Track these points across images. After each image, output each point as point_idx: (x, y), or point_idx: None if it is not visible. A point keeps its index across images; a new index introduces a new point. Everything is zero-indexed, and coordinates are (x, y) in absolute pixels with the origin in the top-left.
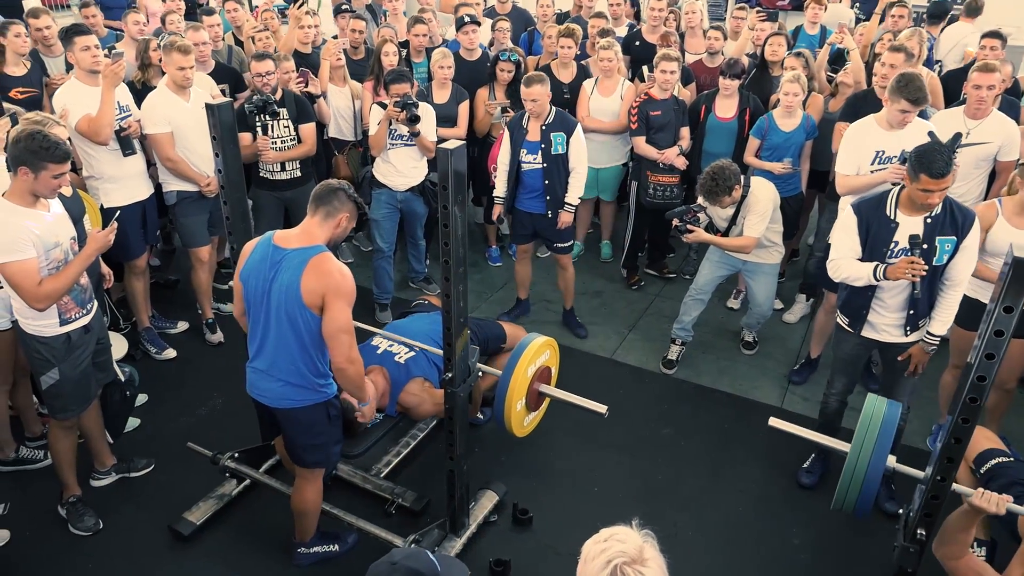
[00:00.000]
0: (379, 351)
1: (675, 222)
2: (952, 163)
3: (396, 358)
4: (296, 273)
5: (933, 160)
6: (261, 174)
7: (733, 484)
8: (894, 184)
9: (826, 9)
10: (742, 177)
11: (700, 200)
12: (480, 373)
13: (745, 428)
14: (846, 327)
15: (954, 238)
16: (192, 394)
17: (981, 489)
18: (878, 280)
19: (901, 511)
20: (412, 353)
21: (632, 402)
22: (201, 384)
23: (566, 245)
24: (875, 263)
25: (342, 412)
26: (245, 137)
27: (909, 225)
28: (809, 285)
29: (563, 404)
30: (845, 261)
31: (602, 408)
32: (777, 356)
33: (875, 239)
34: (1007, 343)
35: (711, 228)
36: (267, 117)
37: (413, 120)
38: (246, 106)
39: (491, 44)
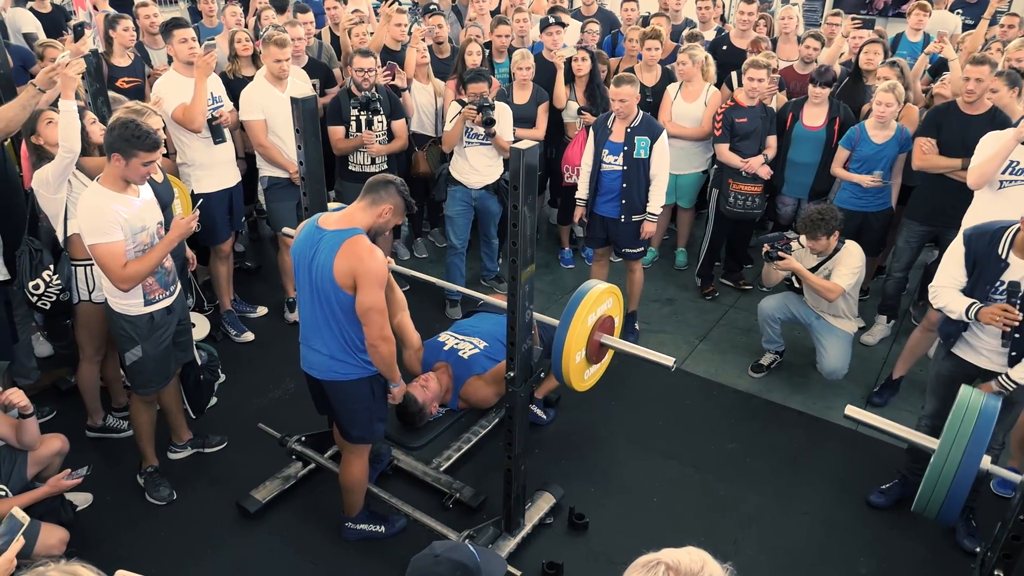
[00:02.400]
0: (445, 348)
1: (766, 247)
2: None
3: (460, 354)
4: (330, 254)
5: None
6: (350, 167)
7: (798, 505)
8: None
9: (930, 15)
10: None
11: (797, 233)
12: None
13: (815, 448)
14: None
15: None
16: (266, 377)
17: None
18: (969, 319)
19: (979, 549)
20: (476, 350)
21: (698, 414)
22: (275, 368)
23: (637, 251)
24: (970, 301)
25: (406, 404)
26: (338, 131)
27: (1019, 268)
28: (889, 306)
29: (627, 410)
30: (945, 290)
31: (669, 360)
32: (854, 376)
33: (982, 274)
34: None
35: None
36: (369, 114)
37: (488, 123)
38: (351, 101)
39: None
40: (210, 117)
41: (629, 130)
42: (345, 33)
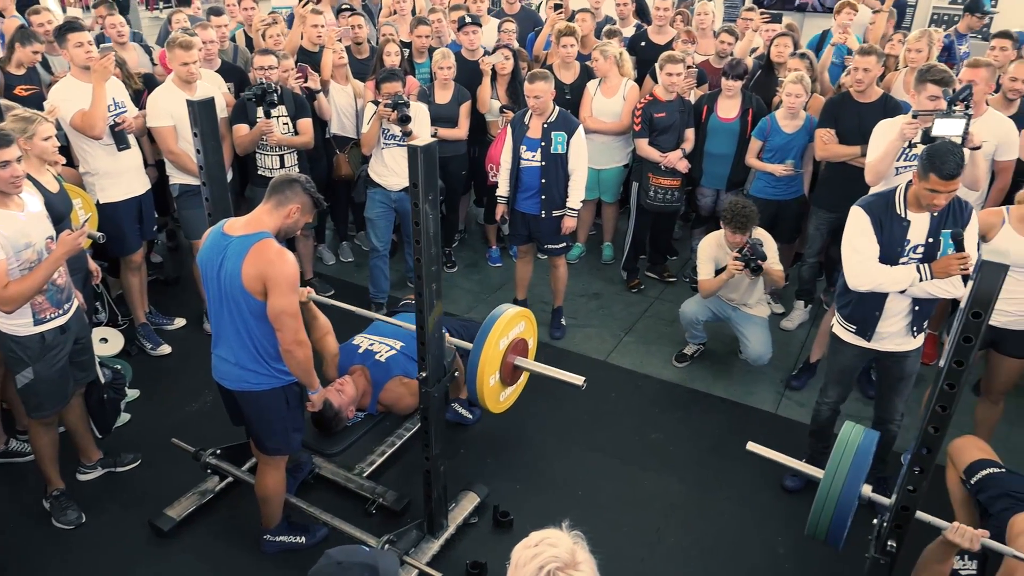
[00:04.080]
0: (360, 350)
1: (740, 266)
2: (963, 165)
3: (377, 356)
4: (238, 260)
5: (945, 161)
6: (259, 172)
7: (720, 491)
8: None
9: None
10: None
11: (733, 232)
12: (454, 352)
13: (737, 434)
14: (851, 335)
15: (958, 229)
16: (185, 390)
17: (956, 524)
18: (923, 280)
19: (875, 522)
20: (393, 351)
21: (623, 406)
22: (194, 380)
23: (559, 247)
24: (916, 264)
25: (322, 410)
26: (241, 128)
27: (919, 223)
28: (806, 291)
29: (552, 405)
30: (875, 266)
31: (579, 380)
32: (774, 361)
33: (889, 238)
34: (975, 349)
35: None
36: (266, 105)
37: (404, 120)
38: (244, 94)
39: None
40: (112, 123)
41: (546, 126)
42: (259, 35)
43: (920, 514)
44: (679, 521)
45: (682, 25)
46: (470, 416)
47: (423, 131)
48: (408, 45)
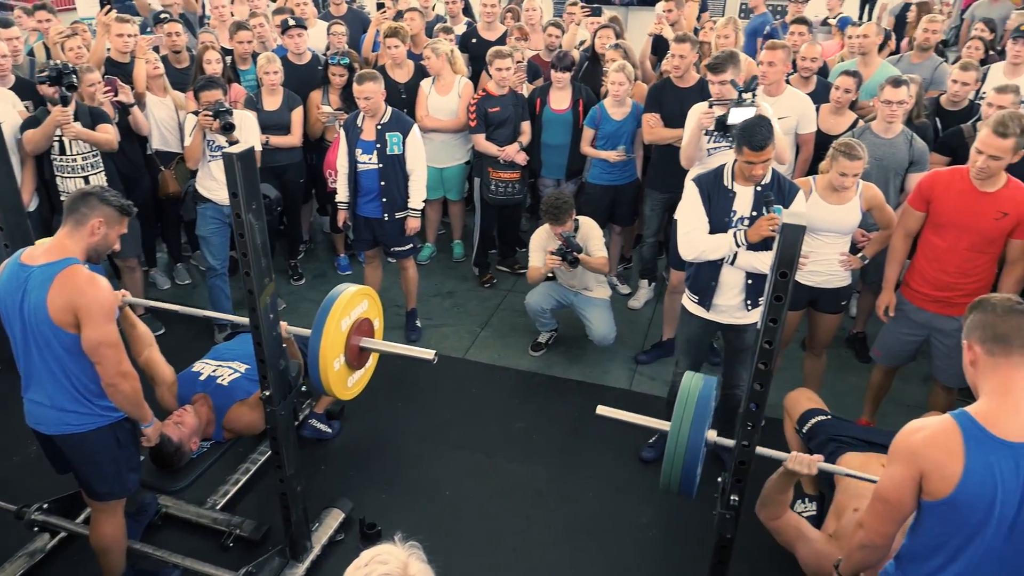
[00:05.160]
0: (202, 377)
1: (558, 260)
2: (771, 137)
3: (219, 381)
4: (42, 292)
5: (754, 134)
6: (62, 198)
7: (584, 471)
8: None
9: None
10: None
11: (552, 224)
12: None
13: (595, 414)
14: (694, 305)
15: (780, 207)
16: (7, 442)
17: (794, 453)
18: (740, 245)
19: (720, 479)
20: (237, 374)
21: (485, 400)
22: (14, 430)
23: (406, 249)
24: (733, 230)
25: (160, 445)
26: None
27: (745, 195)
28: (648, 270)
29: (414, 409)
30: (699, 235)
31: (429, 354)
32: (625, 340)
33: (716, 209)
34: (786, 307)
35: None
36: (64, 89)
37: (228, 128)
38: (37, 76)
39: (327, 48)
40: None
41: (379, 127)
42: (57, 48)
43: (760, 449)
44: (546, 506)
45: (512, 22)
46: (329, 430)
47: (252, 139)
48: (230, 52)
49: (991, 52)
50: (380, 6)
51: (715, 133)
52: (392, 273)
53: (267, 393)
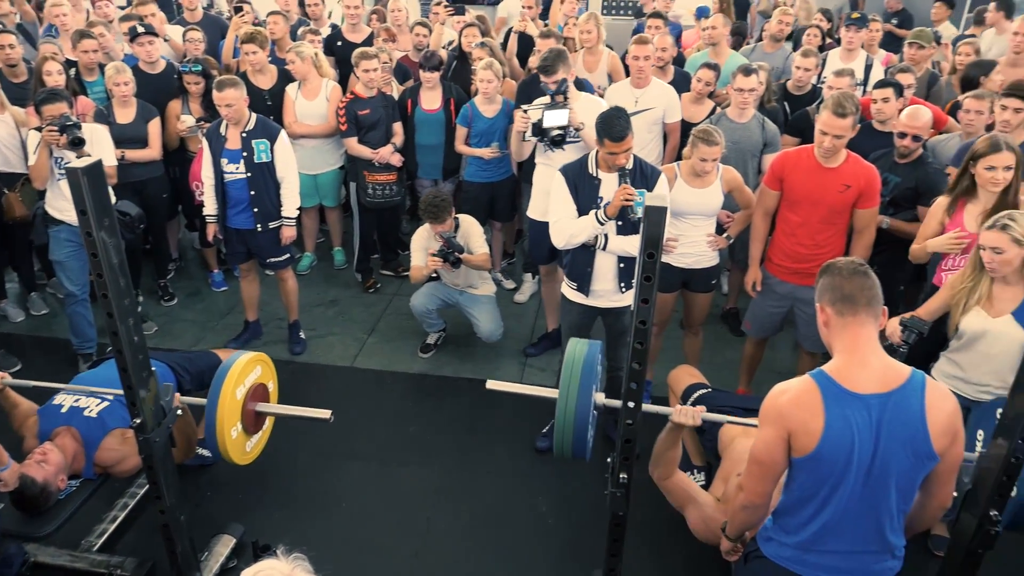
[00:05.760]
0: (64, 409)
1: (440, 261)
2: (629, 128)
3: (86, 412)
4: None
5: (612, 125)
6: None
7: (481, 467)
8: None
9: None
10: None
11: (431, 224)
12: (179, 412)
13: (489, 410)
14: (574, 292)
15: (644, 190)
16: None
17: (678, 406)
18: (602, 222)
19: (610, 460)
20: (106, 402)
21: (377, 407)
22: None
23: (283, 259)
24: (593, 210)
25: (22, 488)
26: None
27: (609, 181)
28: (531, 264)
29: (303, 422)
30: (567, 222)
31: (325, 414)
32: (513, 334)
33: (584, 197)
34: (655, 287)
35: None
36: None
37: (76, 143)
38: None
39: (184, 56)
40: None
41: (244, 135)
42: None
43: (646, 406)
44: (446, 506)
45: (378, 23)
46: (210, 454)
47: (106, 154)
48: (74, 63)
49: (828, 40)
50: (238, 10)
51: (535, 137)
52: (271, 285)
53: (138, 421)
